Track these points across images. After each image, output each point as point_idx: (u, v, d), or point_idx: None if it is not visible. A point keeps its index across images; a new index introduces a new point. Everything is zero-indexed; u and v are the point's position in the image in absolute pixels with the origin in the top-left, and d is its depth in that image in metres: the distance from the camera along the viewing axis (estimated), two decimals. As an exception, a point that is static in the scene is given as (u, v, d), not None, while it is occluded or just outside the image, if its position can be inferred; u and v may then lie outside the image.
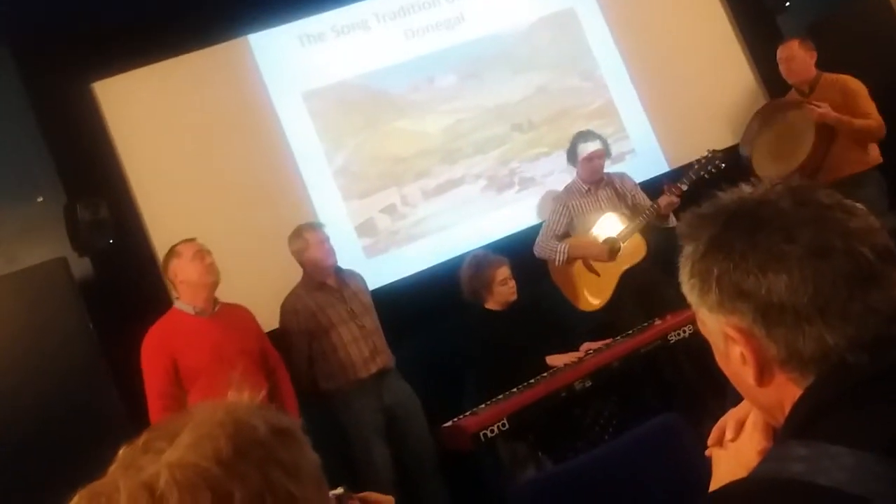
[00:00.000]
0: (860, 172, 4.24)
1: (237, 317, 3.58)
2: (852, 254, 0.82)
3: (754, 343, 0.85)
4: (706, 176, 4.17)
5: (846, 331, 0.81)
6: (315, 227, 3.96)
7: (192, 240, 3.54)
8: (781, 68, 4.49)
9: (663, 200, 4.13)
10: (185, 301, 3.49)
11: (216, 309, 3.51)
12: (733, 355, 0.88)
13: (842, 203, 0.87)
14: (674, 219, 4.22)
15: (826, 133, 4.28)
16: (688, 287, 0.91)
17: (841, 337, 0.81)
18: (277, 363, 3.63)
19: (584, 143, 4.34)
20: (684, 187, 4.14)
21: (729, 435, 1.02)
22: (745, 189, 0.92)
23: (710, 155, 4.23)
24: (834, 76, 4.42)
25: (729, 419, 1.03)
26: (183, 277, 3.46)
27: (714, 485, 1.00)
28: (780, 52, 4.49)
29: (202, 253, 3.49)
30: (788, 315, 0.82)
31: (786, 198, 0.87)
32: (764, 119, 4.52)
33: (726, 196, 0.92)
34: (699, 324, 0.93)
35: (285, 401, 3.50)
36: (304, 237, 3.89)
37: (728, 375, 0.93)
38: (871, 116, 4.24)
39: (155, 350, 3.36)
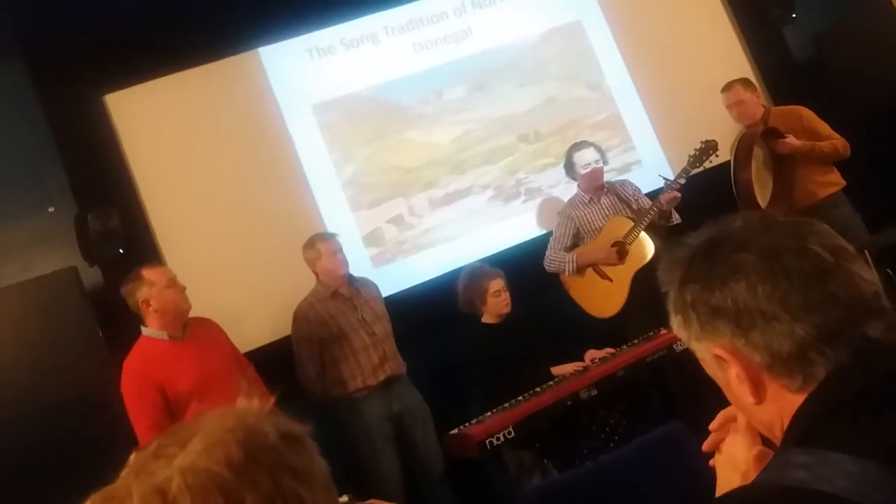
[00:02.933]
0: (831, 195, 4.27)
1: (209, 334, 3.48)
2: (804, 251, 0.87)
3: (739, 356, 0.89)
4: (701, 167, 4.21)
5: (813, 319, 0.85)
6: (328, 237, 3.99)
7: (159, 265, 3.43)
8: (732, 114, 4.45)
9: (664, 197, 4.15)
10: (155, 328, 3.34)
11: (187, 331, 3.40)
12: (730, 379, 0.91)
13: (795, 217, 0.94)
14: (677, 216, 4.23)
15: (784, 165, 4.29)
16: (676, 326, 0.97)
17: (809, 326, 0.85)
18: (246, 365, 3.56)
19: (578, 151, 4.38)
20: (682, 181, 4.17)
21: (713, 426, 1.05)
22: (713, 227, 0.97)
23: (703, 146, 4.25)
24: (781, 108, 4.44)
25: (718, 417, 1.05)
26: (157, 306, 3.31)
27: (718, 491, 1.01)
28: (727, 99, 4.43)
29: (174, 280, 3.38)
30: (757, 317, 0.86)
31: (741, 222, 0.94)
32: (748, 153, 4.46)
33: (693, 237, 0.98)
34: (701, 362, 0.97)
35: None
36: (317, 247, 3.93)
37: (733, 403, 0.96)
38: (834, 136, 4.27)
39: (139, 383, 3.23)
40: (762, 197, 4.25)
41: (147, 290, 3.33)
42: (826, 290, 0.86)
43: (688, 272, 0.94)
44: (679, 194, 4.14)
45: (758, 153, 4.31)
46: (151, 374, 3.24)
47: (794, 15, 5.44)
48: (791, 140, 4.22)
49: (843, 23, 5.42)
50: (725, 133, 4.94)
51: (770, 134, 4.29)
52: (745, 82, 4.49)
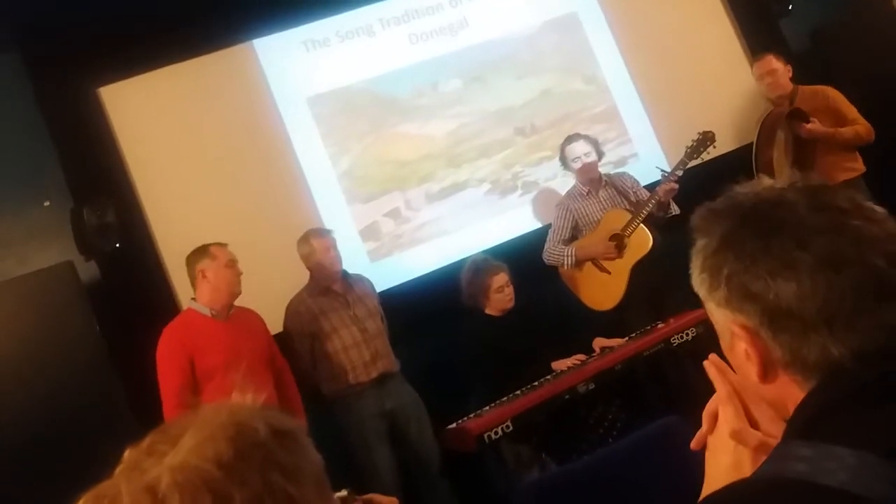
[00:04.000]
0: (849, 179, 4.27)
1: (249, 321, 3.63)
2: (865, 265, 0.81)
3: (759, 343, 0.85)
4: (698, 157, 4.22)
5: (852, 343, 0.80)
6: (322, 233, 3.98)
7: (225, 245, 3.59)
8: (762, 84, 4.47)
9: (662, 189, 4.16)
10: (202, 302, 3.53)
11: (230, 313, 3.57)
12: (738, 350, 0.88)
13: (861, 207, 0.85)
14: (675, 207, 4.24)
15: (805, 147, 4.30)
16: (697, 281, 0.91)
17: (846, 348, 0.81)
18: (284, 367, 3.68)
19: (570, 145, 4.38)
20: (680, 172, 4.18)
21: (705, 427, 1.02)
22: (763, 183, 0.90)
23: (700, 137, 4.26)
24: (810, 88, 4.44)
25: (704, 415, 1.03)
26: (212, 279, 3.51)
27: (706, 484, 0.99)
28: (760, 68, 4.47)
29: (235, 262, 3.57)
30: (795, 322, 0.82)
31: (803, 201, 0.85)
32: (772, 131, 4.49)
33: (742, 191, 0.90)
34: (707, 312, 0.93)
35: (291, 404, 3.52)
36: (311, 243, 3.92)
37: (732, 366, 0.94)
38: (859, 121, 4.28)
39: (173, 348, 3.40)
40: (781, 177, 4.26)
41: (209, 261, 3.51)
42: (878, 318, 0.80)
43: (732, 239, 0.86)
44: (677, 185, 4.14)
45: (780, 134, 4.31)
46: (185, 343, 3.40)
47: (790, 7, 5.43)
48: (813, 126, 4.22)
49: (840, 16, 5.42)
50: (722, 124, 4.94)
51: (795, 115, 4.30)
52: (776, 54, 4.48)
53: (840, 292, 0.80)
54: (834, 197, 0.86)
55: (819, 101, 4.35)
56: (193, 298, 3.57)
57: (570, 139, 4.43)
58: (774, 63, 4.44)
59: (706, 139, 4.24)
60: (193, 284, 3.58)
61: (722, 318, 0.89)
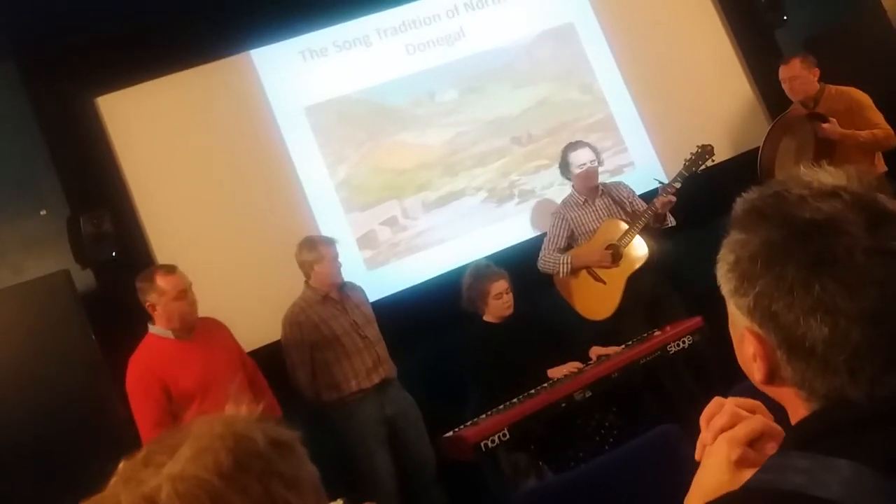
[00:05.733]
0: None
1: (214, 333, 3.49)
2: None
3: (772, 358, 0.82)
4: (697, 171, 4.22)
5: (870, 391, 0.77)
6: (330, 242, 3.95)
7: (172, 270, 3.38)
8: (785, 87, 4.51)
9: (659, 201, 4.16)
10: (162, 325, 3.36)
11: (193, 331, 3.41)
12: (746, 350, 0.85)
13: None
14: (671, 218, 4.24)
15: (825, 148, 4.31)
16: (723, 277, 0.85)
17: (863, 394, 0.78)
18: (255, 372, 3.59)
19: (574, 152, 4.37)
20: (678, 185, 4.18)
21: (709, 439, 0.95)
22: (817, 180, 0.82)
23: (699, 150, 4.27)
24: (838, 88, 4.45)
25: (702, 420, 0.97)
26: (162, 312, 3.33)
27: (693, 486, 0.94)
28: (783, 72, 4.51)
29: (185, 292, 3.36)
30: (816, 361, 0.78)
31: (862, 232, 0.77)
32: (781, 132, 4.51)
33: (795, 191, 0.81)
34: (728, 310, 0.88)
35: (268, 407, 3.44)
36: (319, 251, 3.90)
37: (738, 360, 0.89)
38: (880, 126, 4.28)
39: (144, 379, 3.25)
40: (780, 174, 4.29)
41: (156, 296, 3.33)
42: None
43: (773, 255, 0.79)
44: (674, 198, 4.14)
45: (798, 132, 4.35)
46: (156, 372, 3.26)
47: (785, 18, 5.47)
48: (830, 126, 4.24)
49: (833, 25, 5.45)
50: (718, 134, 4.97)
51: (816, 117, 4.33)
52: (804, 58, 4.52)
53: (874, 347, 0.76)
54: (893, 231, 0.78)
55: (843, 102, 4.37)
56: (152, 323, 3.39)
57: (573, 146, 4.41)
58: (797, 68, 4.46)
59: (705, 152, 4.25)
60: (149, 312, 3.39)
61: (738, 319, 0.85)
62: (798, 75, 4.45)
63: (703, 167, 4.25)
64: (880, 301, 0.76)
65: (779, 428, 0.90)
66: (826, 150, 4.32)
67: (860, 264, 0.76)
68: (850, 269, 0.76)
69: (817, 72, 4.48)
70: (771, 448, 0.88)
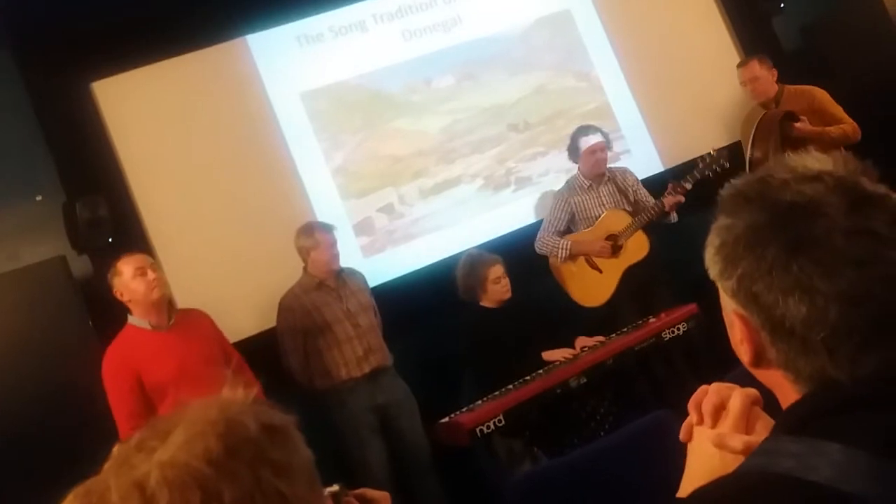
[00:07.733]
0: None
1: (195, 325, 3.44)
2: (886, 303, 0.77)
3: (757, 340, 0.84)
4: (710, 175, 4.21)
5: (851, 371, 0.78)
6: (328, 228, 3.95)
7: (134, 254, 3.37)
8: (746, 90, 4.53)
9: (668, 200, 4.16)
10: (138, 316, 3.33)
11: (172, 321, 3.36)
12: (735, 333, 0.86)
13: None
14: (674, 215, 4.25)
15: (795, 147, 4.32)
16: (710, 261, 0.87)
17: (844, 375, 0.79)
18: (240, 365, 3.51)
19: (586, 136, 4.34)
20: (689, 186, 4.17)
21: (693, 417, 0.98)
22: (802, 165, 0.84)
23: (714, 154, 4.26)
24: (796, 88, 4.48)
25: (690, 406, 0.99)
26: (129, 296, 3.29)
27: (686, 474, 0.96)
28: (743, 74, 4.52)
29: (143, 269, 3.30)
30: (796, 341, 0.80)
31: (842, 215, 0.78)
32: (763, 132, 4.50)
33: (779, 175, 0.83)
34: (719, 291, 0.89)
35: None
36: (316, 237, 3.90)
37: (731, 345, 0.90)
38: (845, 120, 4.31)
39: (118, 370, 3.22)
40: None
41: (118, 281, 3.30)
42: (883, 354, 0.77)
43: (755, 237, 0.81)
44: (683, 198, 4.14)
45: (771, 134, 4.35)
46: (130, 363, 3.23)
47: (782, 5, 5.46)
48: (803, 125, 4.26)
49: (830, 13, 5.45)
50: (714, 121, 4.97)
51: (787, 117, 4.34)
52: (761, 59, 4.52)
53: (851, 326, 0.77)
54: (874, 212, 0.79)
55: (804, 101, 4.39)
56: (131, 313, 3.35)
57: (584, 129, 4.38)
58: (757, 70, 4.48)
59: (720, 157, 4.24)
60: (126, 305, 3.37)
61: (726, 301, 0.87)
62: (759, 76, 4.46)
63: (716, 170, 4.23)
64: (857, 281, 0.77)
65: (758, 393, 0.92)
66: (797, 150, 4.33)
67: (838, 245, 0.77)
68: (828, 250, 0.77)
69: (775, 72, 4.50)
70: (762, 427, 0.90)
